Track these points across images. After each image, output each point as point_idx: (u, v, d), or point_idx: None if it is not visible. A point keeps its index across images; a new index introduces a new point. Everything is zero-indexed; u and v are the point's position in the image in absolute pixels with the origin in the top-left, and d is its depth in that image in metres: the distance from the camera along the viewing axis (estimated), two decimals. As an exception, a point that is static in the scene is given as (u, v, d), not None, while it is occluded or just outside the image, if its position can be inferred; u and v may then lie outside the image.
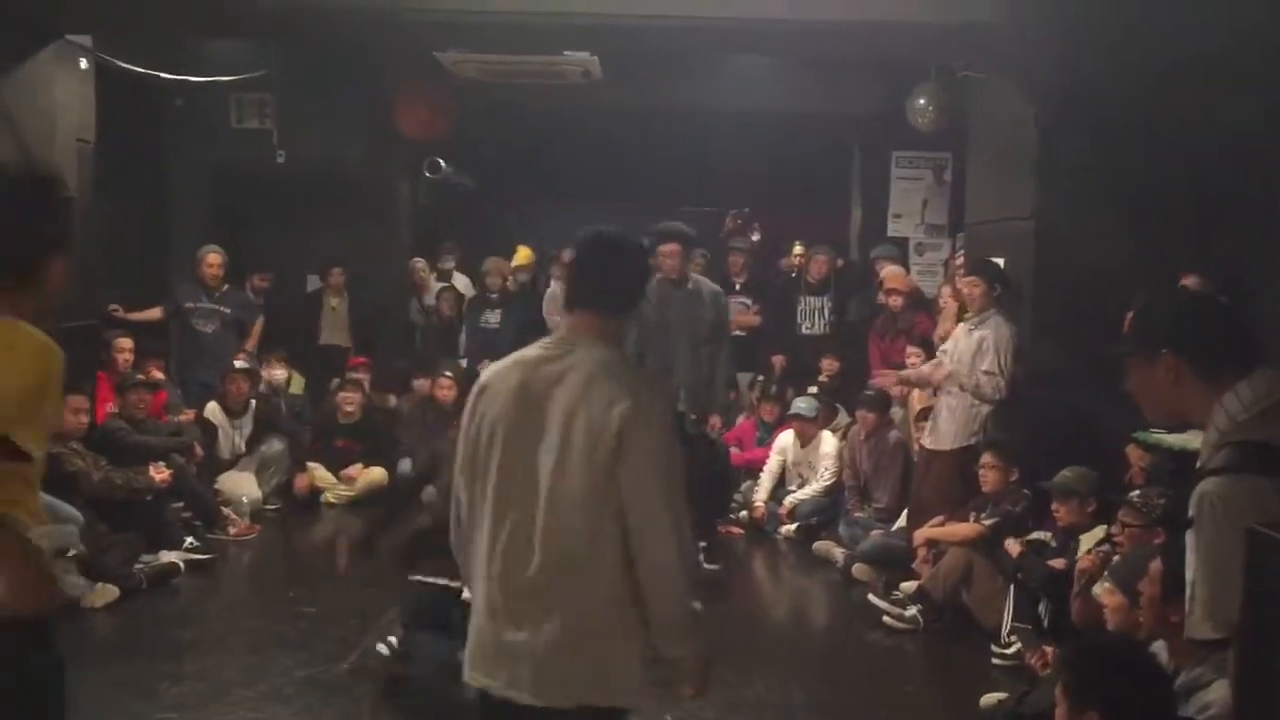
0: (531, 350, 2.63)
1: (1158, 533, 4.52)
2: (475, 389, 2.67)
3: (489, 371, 2.68)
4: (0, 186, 2.37)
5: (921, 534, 6.27)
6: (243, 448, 8.12)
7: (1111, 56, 5.82)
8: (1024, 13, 5.92)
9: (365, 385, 8.93)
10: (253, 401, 8.21)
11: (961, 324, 6.52)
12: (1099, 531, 5.14)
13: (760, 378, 9.00)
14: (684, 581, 2.53)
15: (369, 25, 6.64)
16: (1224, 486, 2.21)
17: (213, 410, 8.01)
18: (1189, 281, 5.30)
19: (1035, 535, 5.56)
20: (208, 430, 7.86)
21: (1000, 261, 6.83)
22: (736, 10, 5.76)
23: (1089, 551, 4.96)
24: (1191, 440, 4.20)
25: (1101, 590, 4.49)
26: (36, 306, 2.35)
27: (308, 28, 7.09)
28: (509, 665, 2.54)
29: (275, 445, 8.25)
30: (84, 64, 7.37)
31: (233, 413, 8.10)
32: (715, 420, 7.02)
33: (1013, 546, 5.54)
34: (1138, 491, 4.83)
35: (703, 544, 6.25)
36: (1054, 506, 5.36)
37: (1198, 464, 2.36)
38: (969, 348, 6.30)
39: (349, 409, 8.59)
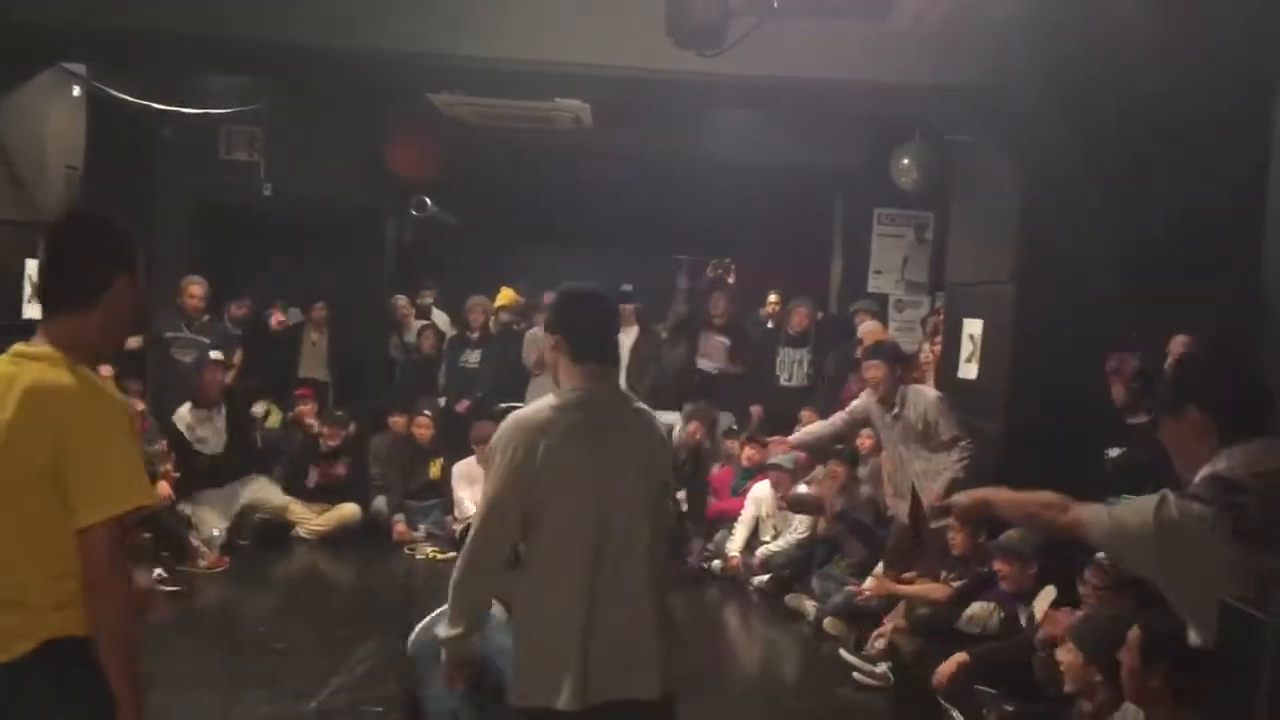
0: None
1: (1125, 595, 4.49)
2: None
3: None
4: (61, 229, 2.51)
5: (885, 586, 6.26)
6: (225, 439, 8.06)
7: (1097, 122, 5.89)
8: (1010, 77, 6.01)
9: (312, 412, 8.97)
10: (222, 401, 8.16)
11: (881, 416, 6.37)
12: (1051, 592, 5.13)
13: (734, 427, 9.03)
14: None
15: (363, 66, 6.70)
16: (1186, 505, 2.37)
17: (181, 416, 7.95)
18: (1176, 344, 5.25)
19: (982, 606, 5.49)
20: (183, 447, 7.80)
21: (979, 323, 6.90)
22: (725, 66, 5.82)
23: (1057, 608, 4.94)
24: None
25: (1060, 650, 4.49)
26: (105, 329, 2.43)
27: (302, 67, 7.14)
28: None
29: (260, 486, 8.25)
30: (76, 91, 7.39)
31: (204, 405, 8.02)
32: None
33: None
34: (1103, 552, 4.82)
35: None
36: (996, 565, 5.35)
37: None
38: (910, 430, 6.20)
39: (309, 422, 8.68)
